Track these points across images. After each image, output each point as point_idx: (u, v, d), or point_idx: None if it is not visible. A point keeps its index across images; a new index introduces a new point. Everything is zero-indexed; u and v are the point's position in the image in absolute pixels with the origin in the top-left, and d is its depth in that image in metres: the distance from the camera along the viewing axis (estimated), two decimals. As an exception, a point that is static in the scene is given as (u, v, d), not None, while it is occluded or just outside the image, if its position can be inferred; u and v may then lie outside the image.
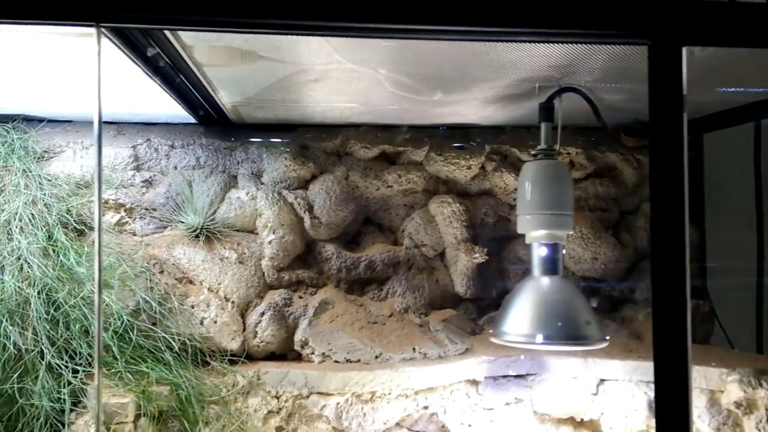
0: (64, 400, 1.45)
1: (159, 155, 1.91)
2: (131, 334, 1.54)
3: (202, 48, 1.28)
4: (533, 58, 1.35)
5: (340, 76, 1.48)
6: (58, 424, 1.46)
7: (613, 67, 1.41)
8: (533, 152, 1.45)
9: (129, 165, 1.88)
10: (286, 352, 1.79)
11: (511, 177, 1.99)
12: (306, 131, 1.97)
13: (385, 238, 2.03)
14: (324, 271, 1.91)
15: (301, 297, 1.84)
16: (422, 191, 2.02)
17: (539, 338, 1.28)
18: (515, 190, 2.02)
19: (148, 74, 1.39)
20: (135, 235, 1.84)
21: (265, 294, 1.81)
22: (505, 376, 1.75)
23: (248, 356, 1.74)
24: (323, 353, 1.70)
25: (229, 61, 1.38)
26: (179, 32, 1.16)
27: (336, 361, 1.69)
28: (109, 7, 0.90)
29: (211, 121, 1.92)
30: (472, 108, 1.79)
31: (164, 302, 1.64)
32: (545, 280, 1.37)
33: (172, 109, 1.77)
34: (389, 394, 1.63)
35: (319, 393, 1.62)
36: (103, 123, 1.89)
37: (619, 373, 1.67)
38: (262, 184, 1.92)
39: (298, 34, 1.12)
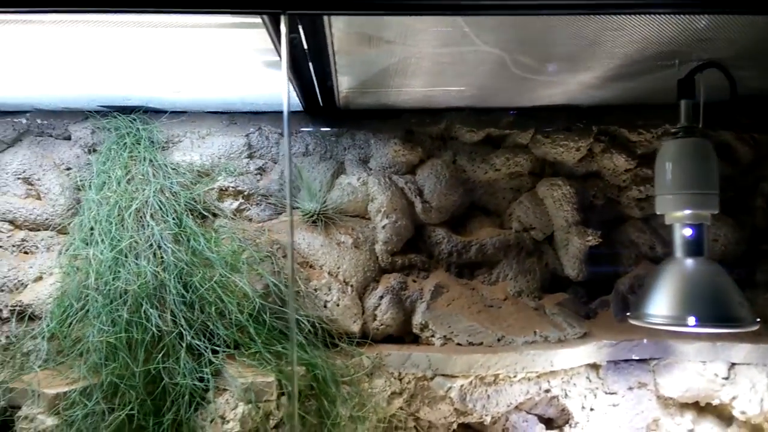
0: (208, 379, 1.51)
1: (270, 143, 1.95)
2: (264, 315, 1.58)
3: (346, 34, 1.29)
4: (668, 32, 1.31)
5: (470, 59, 1.47)
6: (203, 402, 1.52)
7: (747, 43, 1.36)
8: (673, 130, 1.41)
9: (243, 153, 1.92)
10: (403, 335, 1.81)
11: (621, 158, 1.95)
12: (410, 116, 1.97)
13: (491, 221, 2.02)
14: (434, 255, 1.91)
15: (414, 281, 1.85)
16: (528, 174, 2.01)
17: (691, 320, 1.25)
18: (625, 171, 1.98)
19: (282, 60, 1.42)
20: (251, 220, 1.88)
21: (380, 278, 1.83)
22: (626, 360, 1.72)
23: (367, 338, 1.76)
24: (444, 336, 1.72)
25: (366, 47, 1.39)
26: (333, 19, 1.18)
27: (458, 344, 1.70)
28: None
29: (317, 108, 1.94)
30: (583, 87, 1.75)
31: (290, 285, 1.68)
32: (690, 262, 1.33)
33: (281, 98, 1.80)
34: (514, 377, 1.63)
35: (443, 375, 1.63)
36: (215, 113, 1.97)
37: (753, 357, 1.62)
38: (370, 169, 1.93)
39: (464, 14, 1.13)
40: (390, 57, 1.47)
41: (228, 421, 1.44)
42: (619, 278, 1.94)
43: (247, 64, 1.51)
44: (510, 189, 2.01)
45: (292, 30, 1.22)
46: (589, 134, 1.95)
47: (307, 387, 1.52)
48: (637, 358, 1.71)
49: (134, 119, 1.83)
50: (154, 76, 1.62)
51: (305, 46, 1.35)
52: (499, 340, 1.69)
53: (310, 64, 1.49)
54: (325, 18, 1.15)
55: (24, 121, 1.89)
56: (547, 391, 1.68)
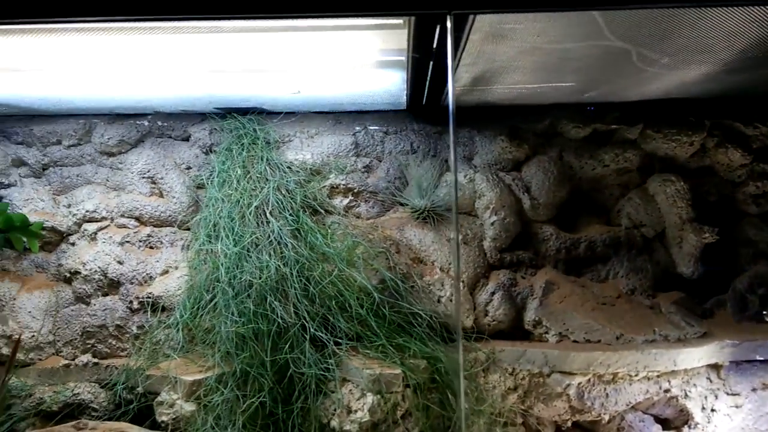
0: (333, 370, 1.56)
1: (375, 141, 1.99)
2: (384, 309, 1.62)
3: (482, 33, 1.30)
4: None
5: (592, 54, 1.46)
6: (327, 392, 1.57)
7: None
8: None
9: (351, 152, 1.97)
10: (513, 331, 1.81)
11: (736, 153, 1.88)
12: (514, 113, 1.97)
13: (598, 218, 1.99)
14: (541, 251, 1.90)
15: (523, 277, 1.85)
16: (636, 170, 1.97)
17: (844, 320, 1.20)
18: (741, 166, 1.91)
19: (408, 60, 1.45)
20: (360, 217, 1.93)
21: (489, 274, 1.84)
22: (749, 361, 1.67)
23: (481, 334, 1.77)
24: (560, 333, 1.71)
25: (492, 45, 1.40)
26: (478, 18, 1.19)
27: (575, 341, 1.69)
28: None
29: (420, 107, 1.96)
30: (697, 80, 1.70)
31: (406, 280, 1.71)
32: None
33: (386, 97, 1.83)
34: (635, 375, 1.61)
35: (561, 372, 1.62)
36: (321, 113, 2.02)
37: None
38: (475, 166, 1.94)
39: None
40: (511, 54, 1.47)
41: (355, 411, 1.48)
42: (737, 277, 1.87)
43: (363, 65, 1.55)
44: (617, 185, 1.98)
45: (431, 30, 1.25)
46: (702, 128, 1.89)
47: (429, 380, 1.54)
48: (761, 358, 1.66)
49: (251, 119, 1.91)
50: (275, 78, 1.68)
51: (434, 45, 1.37)
52: (617, 338, 1.67)
53: (431, 62, 1.52)
54: (470, 17, 1.17)
55: (146, 123, 2.00)
56: (667, 391, 1.65)
